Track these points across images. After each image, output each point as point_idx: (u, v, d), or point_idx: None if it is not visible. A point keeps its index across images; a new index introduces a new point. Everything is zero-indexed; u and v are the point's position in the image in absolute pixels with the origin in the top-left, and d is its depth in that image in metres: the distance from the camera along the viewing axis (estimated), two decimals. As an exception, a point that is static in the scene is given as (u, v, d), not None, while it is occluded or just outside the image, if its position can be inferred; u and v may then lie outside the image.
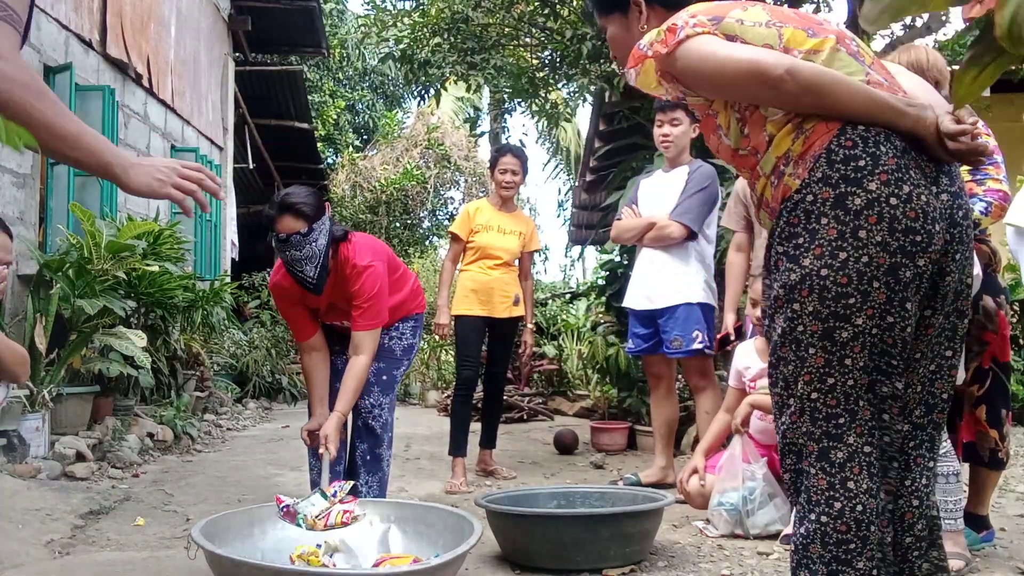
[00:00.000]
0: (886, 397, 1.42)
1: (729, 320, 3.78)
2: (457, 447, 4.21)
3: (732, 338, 3.73)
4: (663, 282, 3.94)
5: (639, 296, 4.05)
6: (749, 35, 1.48)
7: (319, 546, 2.47)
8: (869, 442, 1.41)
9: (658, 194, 4.07)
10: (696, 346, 3.85)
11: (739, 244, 3.77)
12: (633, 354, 4.33)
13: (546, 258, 17.81)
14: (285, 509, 2.69)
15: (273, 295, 3.30)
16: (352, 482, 2.84)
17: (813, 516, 1.41)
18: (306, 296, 3.16)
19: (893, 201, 1.34)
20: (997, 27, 0.80)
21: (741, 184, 3.75)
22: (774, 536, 2.99)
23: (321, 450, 2.94)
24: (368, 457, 3.24)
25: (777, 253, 1.44)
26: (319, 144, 13.20)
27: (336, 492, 2.72)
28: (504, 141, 17.36)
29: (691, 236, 3.92)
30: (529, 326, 4.60)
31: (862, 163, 1.36)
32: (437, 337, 4.69)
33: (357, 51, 15.86)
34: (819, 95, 1.39)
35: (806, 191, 1.39)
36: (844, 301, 1.36)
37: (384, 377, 3.26)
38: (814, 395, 1.41)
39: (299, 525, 2.65)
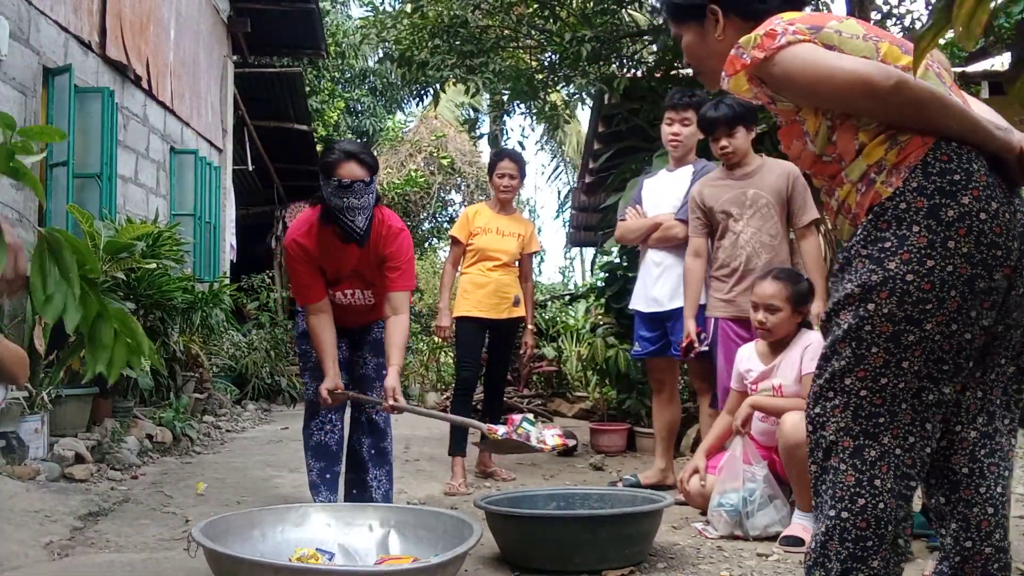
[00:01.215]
0: (931, 405, 1.45)
1: (690, 326, 3.70)
2: (456, 447, 4.21)
3: (696, 345, 3.69)
4: (671, 284, 3.92)
5: (646, 298, 4.02)
6: (848, 47, 1.51)
7: (319, 550, 2.47)
8: (901, 445, 1.45)
9: (662, 193, 4.05)
10: (705, 347, 3.82)
11: (697, 250, 3.75)
12: (639, 357, 4.28)
13: (541, 259, 17.83)
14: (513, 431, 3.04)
15: (289, 254, 3.17)
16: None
17: (833, 512, 1.45)
18: (326, 259, 3.15)
19: (983, 216, 1.39)
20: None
21: (697, 190, 3.75)
22: (774, 538, 2.99)
23: (390, 401, 3.04)
24: (373, 451, 3.32)
25: (859, 255, 1.47)
26: (319, 147, 13.19)
27: (537, 420, 3.03)
28: (503, 143, 17.37)
29: None
30: (530, 327, 4.60)
31: (957, 177, 1.41)
32: (438, 339, 4.69)
33: (354, 52, 15.84)
34: (922, 109, 1.43)
35: (899, 199, 1.43)
36: (921, 306, 1.40)
37: (384, 372, 3.27)
38: (863, 392, 1.45)
39: (532, 445, 3.00)
